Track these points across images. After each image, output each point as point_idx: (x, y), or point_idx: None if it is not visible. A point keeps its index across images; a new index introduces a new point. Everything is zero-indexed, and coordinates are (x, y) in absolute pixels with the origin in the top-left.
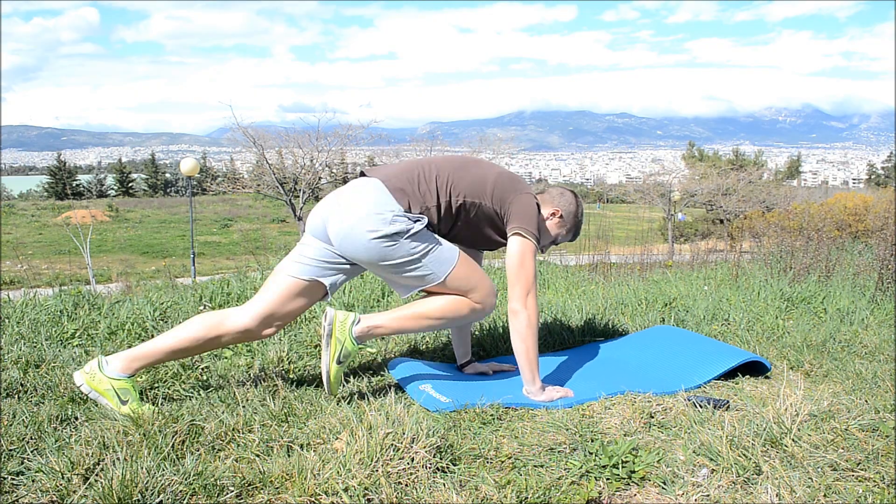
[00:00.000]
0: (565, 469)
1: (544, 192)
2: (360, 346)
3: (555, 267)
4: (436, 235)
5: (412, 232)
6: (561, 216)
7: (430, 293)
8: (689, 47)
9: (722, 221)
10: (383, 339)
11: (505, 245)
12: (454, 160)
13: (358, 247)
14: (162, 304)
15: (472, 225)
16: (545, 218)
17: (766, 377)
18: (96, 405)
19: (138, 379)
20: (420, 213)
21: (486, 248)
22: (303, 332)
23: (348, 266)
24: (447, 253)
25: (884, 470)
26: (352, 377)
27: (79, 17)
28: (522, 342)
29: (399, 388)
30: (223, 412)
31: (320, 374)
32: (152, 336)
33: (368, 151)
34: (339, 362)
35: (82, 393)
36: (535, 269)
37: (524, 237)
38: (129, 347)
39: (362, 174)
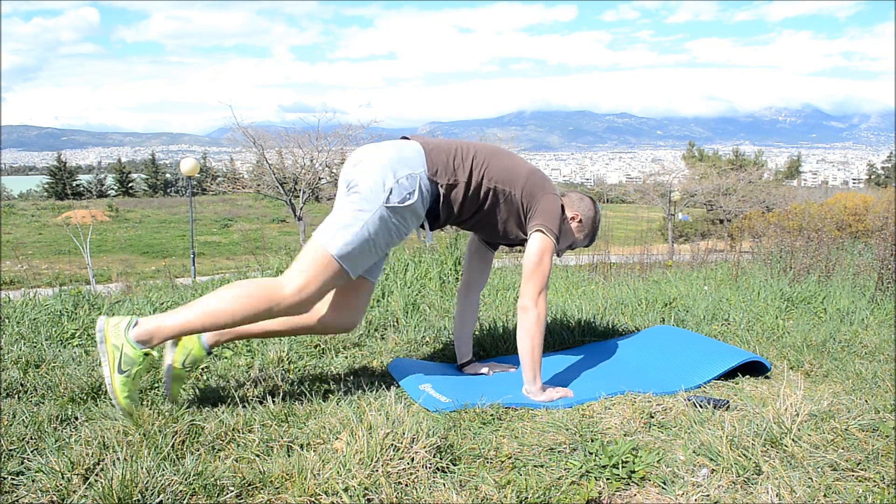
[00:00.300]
0: (565, 469)
1: (565, 195)
2: (144, 350)
3: (555, 267)
4: (385, 244)
5: (399, 204)
6: (580, 221)
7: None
8: (689, 47)
9: (722, 221)
10: (373, 343)
11: (521, 245)
12: (492, 147)
13: (359, 171)
14: (162, 304)
15: (496, 213)
16: (567, 221)
17: (766, 377)
18: (96, 405)
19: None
20: (448, 185)
21: (503, 243)
22: None
23: None
24: (366, 252)
25: (884, 470)
26: (352, 377)
27: (79, 17)
28: (529, 340)
29: (399, 388)
30: (223, 412)
31: (319, 374)
32: None
33: None
34: (121, 371)
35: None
36: (549, 269)
37: (546, 235)
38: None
39: (404, 138)
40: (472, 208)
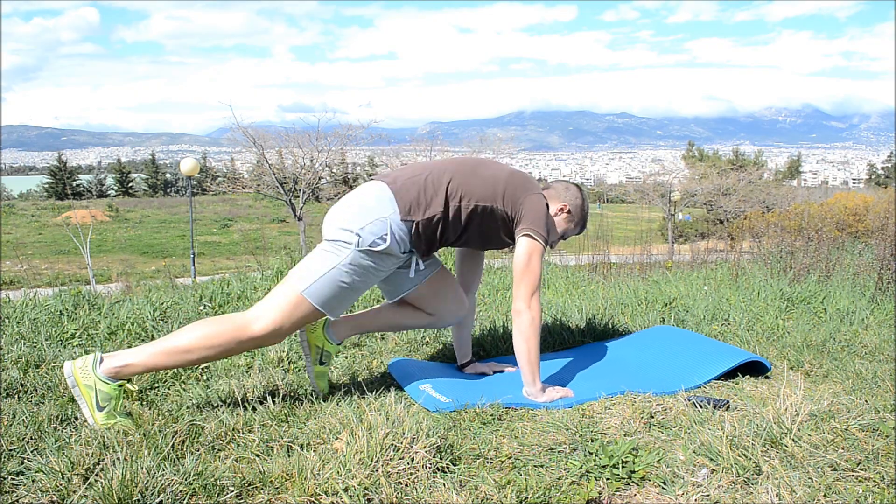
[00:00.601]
0: (565, 469)
1: (549, 187)
2: (117, 383)
3: (555, 267)
4: (360, 284)
5: (374, 248)
6: (569, 211)
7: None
8: (689, 47)
9: (722, 221)
10: (373, 343)
11: (513, 244)
12: (465, 164)
13: (331, 225)
14: (162, 304)
15: (482, 229)
16: (554, 214)
17: (766, 377)
18: None
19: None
20: (425, 218)
21: (496, 248)
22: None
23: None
24: (338, 293)
25: (884, 470)
26: (351, 377)
27: (79, 17)
28: (525, 343)
29: (399, 388)
30: (223, 412)
31: None
32: (153, 336)
33: (368, 151)
34: (100, 408)
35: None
36: (541, 271)
37: (533, 238)
38: (129, 347)
39: (371, 177)
40: (457, 231)
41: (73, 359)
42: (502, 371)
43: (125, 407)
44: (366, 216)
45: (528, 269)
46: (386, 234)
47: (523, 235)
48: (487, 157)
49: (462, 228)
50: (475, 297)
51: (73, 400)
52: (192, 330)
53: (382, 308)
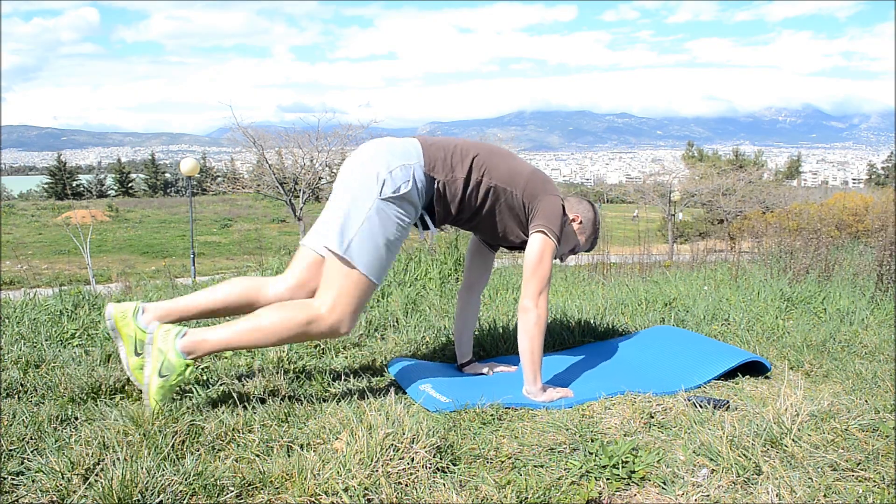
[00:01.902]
0: (565, 469)
1: (565, 198)
2: (187, 361)
3: (555, 267)
4: (395, 239)
5: (398, 192)
6: (581, 222)
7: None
8: (689, 47)
9: (722, 221)
10: (373, 343)
11: (522, 248)
12: (493, 147)
13: (355, 165)
14: None
15: (497, 213)
16: (568, 223)
17: (766, 377)
18: (96, 405)
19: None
20: (445, 182)
21: (504, 245)
22: None
23: None
24: (381, 257)
25: (884, 470)
26: (352, 377)
27: (79, 17)
28: (529, 341)
29: (399, 388)
30: (223, 412)
31: (311, 374)
32: None
33: None
34: (161, 375)
35: (107, 328)
36: (550, 270)
37: (547, 236)
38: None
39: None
40: (472, 207)
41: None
42: (502, 371)
43: (177, 388)
44: (392, 159)
45: (539, 265)
46: (409, 180)
47: (537, 231)
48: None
49: (478, 206)
50: (479, 298)
51: (72, 400)
52: (271, 312)
53: (206, 292)
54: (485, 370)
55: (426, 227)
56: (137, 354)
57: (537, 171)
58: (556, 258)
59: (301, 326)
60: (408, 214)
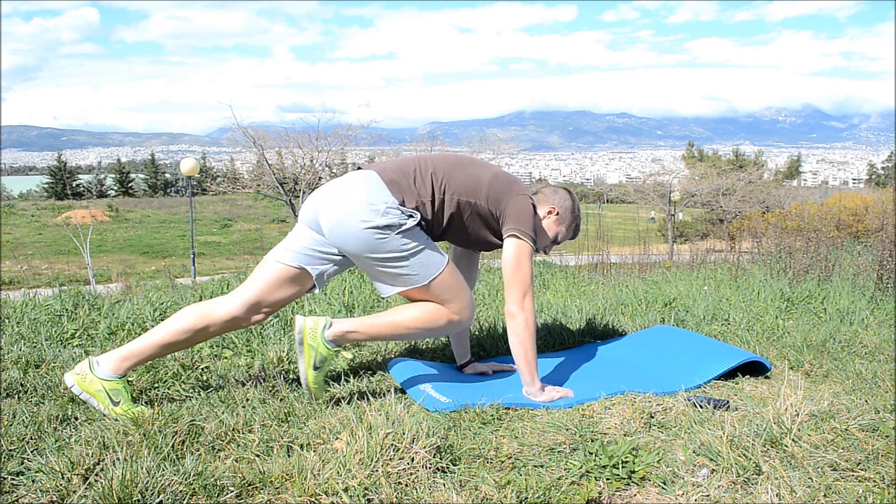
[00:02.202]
0: (565, 469)
1: (538, 192)
2: (336, 349)
3: (555, 267)
4: (427, 237)
5: (404, 227)
6: (557, 213)
7: (410, 299)
8: (689, 47)
9: (722, 221)
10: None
11: (501, 246)
12: (449, 158)
13: (349, 236)
14: (162, 304)
15: (466, 225)
16: (542, 217)
17: (766, 377)
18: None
19: (130, 378)
20: (415, 208)
21: (483, 249)
22: None
23: (338, 258)
24: (435, 258)
25: (884, 470)
26: (352, 377)
27: (79, 17)
28: (520, 345)
29: (399, 388)
30: (223, 412)
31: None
32: None
33: (368, 151)
34: (315, 368)
35: (74, 395)
36: (531, 271)
37: (520, 238)
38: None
39: (359, 168)
40: (441, 223)
41: (304, 315)
42: (502, 371)
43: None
44: (377, 202)
45: (517, 270)
46: (398, 218)
47: (509, 236)
48: (478, 157)
49: (447, 221)
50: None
51: (72, 400)
52: (411, 309)
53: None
54: (484, 370)
55: None
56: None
57: (500, 173)
58: (538, 252)
59: (439, 326)
60: (403, 222)
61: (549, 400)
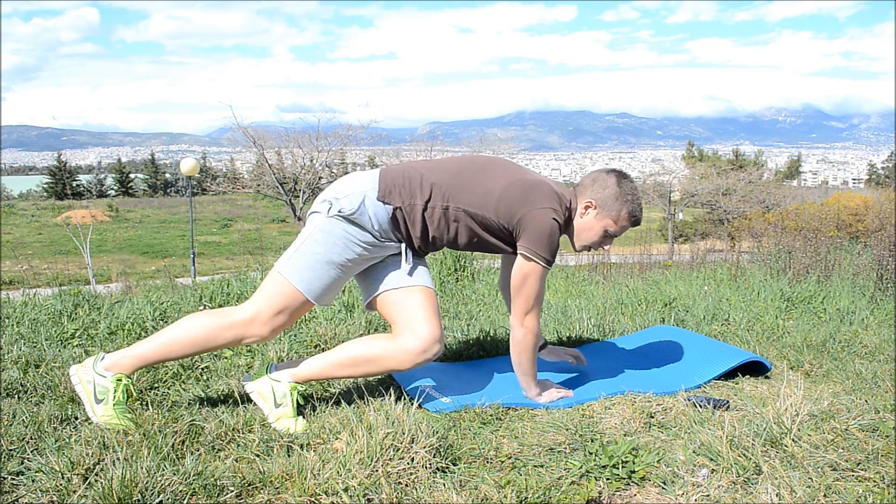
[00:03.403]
0: (565, 469)
1: (577, 185)
2: (116, 376)
3: (555, 267)
4: (340, 259)
5: (346, 214)
6: (596, 207)
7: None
8: (689, 47)
9: (722, 221)
10: None
11: (514, 252)
12: (467, 167)
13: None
14: (162, 304)
15: (479, 236)
16: (581, 215)
17: (766, 377)
18: None
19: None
20: (403, 206)
21: (493, 252)
22: (303, 332)
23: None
24: (321, 271)
25: (884, 470)
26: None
27: (79, 17)
28: (517, 356)
29: (399, 388)
30: (223, 412)
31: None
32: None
33: (368, 151)
34: (98, 401)
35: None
36: (537, 291)
37: (529, 259)
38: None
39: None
40: (446, 233)
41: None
42: (579, 361)
43: (125, 401)
44: (342, 189)
45: (522, 288)
46: (358, 205)
47: (521, 253)
48: (500, 159)
49: (453, 233)
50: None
51: (72, 400)
52: (185, 322)
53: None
54: (563, 356)
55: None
56: (277, 406)
57: (515, 183)
58: (588, 250)
59: (224, 332)
60: (357, 237)
61: (549, 401)
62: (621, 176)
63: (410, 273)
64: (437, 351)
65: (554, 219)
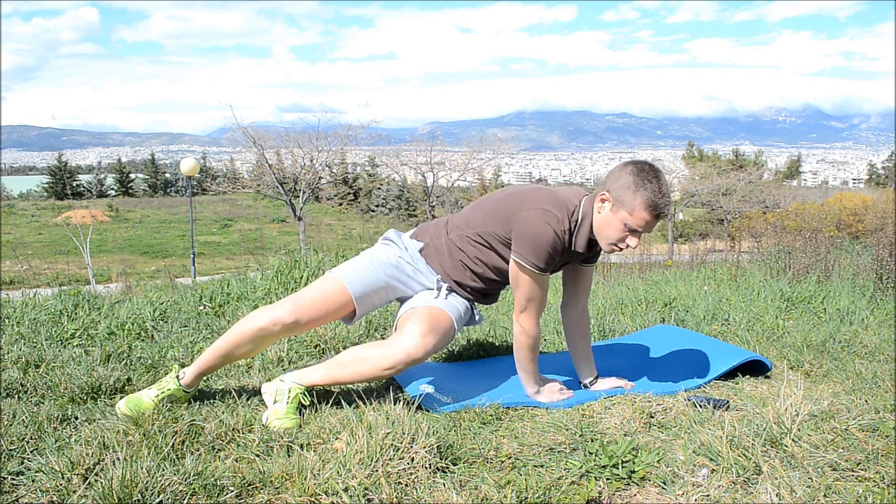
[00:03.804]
0: (565, 469)
1: (604, 180)
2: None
3: None
4: (403, 273)
5: (391, 241)
6: (611, 200)
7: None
8: (689, 47)
9: (722, 221)
10: None
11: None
12: (480, 201)
13: None
14: (162, 304)
15: (490, 255)
16: (598, 210)
17: (767, 377)
18: (96, 405)
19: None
20: (421, 250)
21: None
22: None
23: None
24: (361, 274)
25: (884, 470)
26: None
27: (79, 17)
28: (517, 352)
29: (399, 388)
30: (223, 412)
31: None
32: (152, 337)
33: (368, 151)
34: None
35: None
36: (529, 293)
37: (518, 262)
38: (129, 347)
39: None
40: (466, 262)
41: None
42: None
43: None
44: (389, 234)
45: (516, 289)
46: (398, 240)
47: (512, 257)
48: (531, 186)
49: (474, 259)
50: (576, 312)
51: (72, 400)
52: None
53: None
54: (614, 384)
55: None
56: (274, 403)
57: (519, 193)
58: (611, 249)
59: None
60: (392, 252)
61: (549, 401)
62: (640, 164)
63: (436, 299)
64: (418, 359)
65: (547, 222)
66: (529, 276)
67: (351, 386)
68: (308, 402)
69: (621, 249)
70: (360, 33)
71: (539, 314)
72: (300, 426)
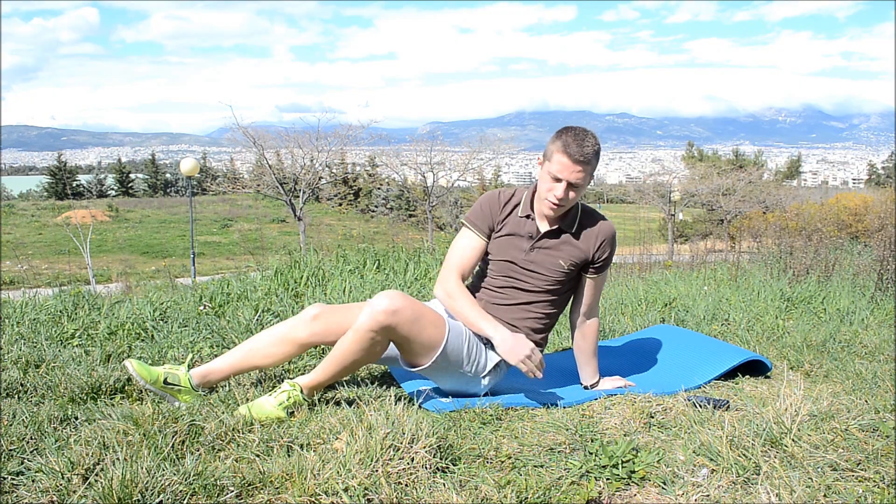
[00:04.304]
0: (565, 469)
1: None
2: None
3: None
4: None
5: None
6: (543, 160)
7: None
8: (688, 47)
9: (722, 221)
10: None
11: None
12: None
13: None
14: (162, 304)
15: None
16: (539, 178)
17: (767, 377)
18: (96, 405)
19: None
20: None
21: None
22: None
23: None
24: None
25: (884, 470)
26: (352, 377)
27: (79, 17)
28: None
29: (399, 388)
30: (223, 412)
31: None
32: (151, 336)
33: (368, 151)
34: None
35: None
36: (450, 251)
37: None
38: (129, 347)
39: None
40: (488, 286)
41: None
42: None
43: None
44: None
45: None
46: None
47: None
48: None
49: (491, 282)
50: (582, 320)
51: (72, 400)
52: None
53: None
54: (616, 384)
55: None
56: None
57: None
58: (547, 208)
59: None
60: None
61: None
62: (567, 127)
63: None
64: (383, 310)
65: (490, 194)
66: (460, 235)
67: (351, 386)
68: (304, 402)
69: (555, 205)
70: (359, 33)
71: (446, 272)
72: (297, 426)
